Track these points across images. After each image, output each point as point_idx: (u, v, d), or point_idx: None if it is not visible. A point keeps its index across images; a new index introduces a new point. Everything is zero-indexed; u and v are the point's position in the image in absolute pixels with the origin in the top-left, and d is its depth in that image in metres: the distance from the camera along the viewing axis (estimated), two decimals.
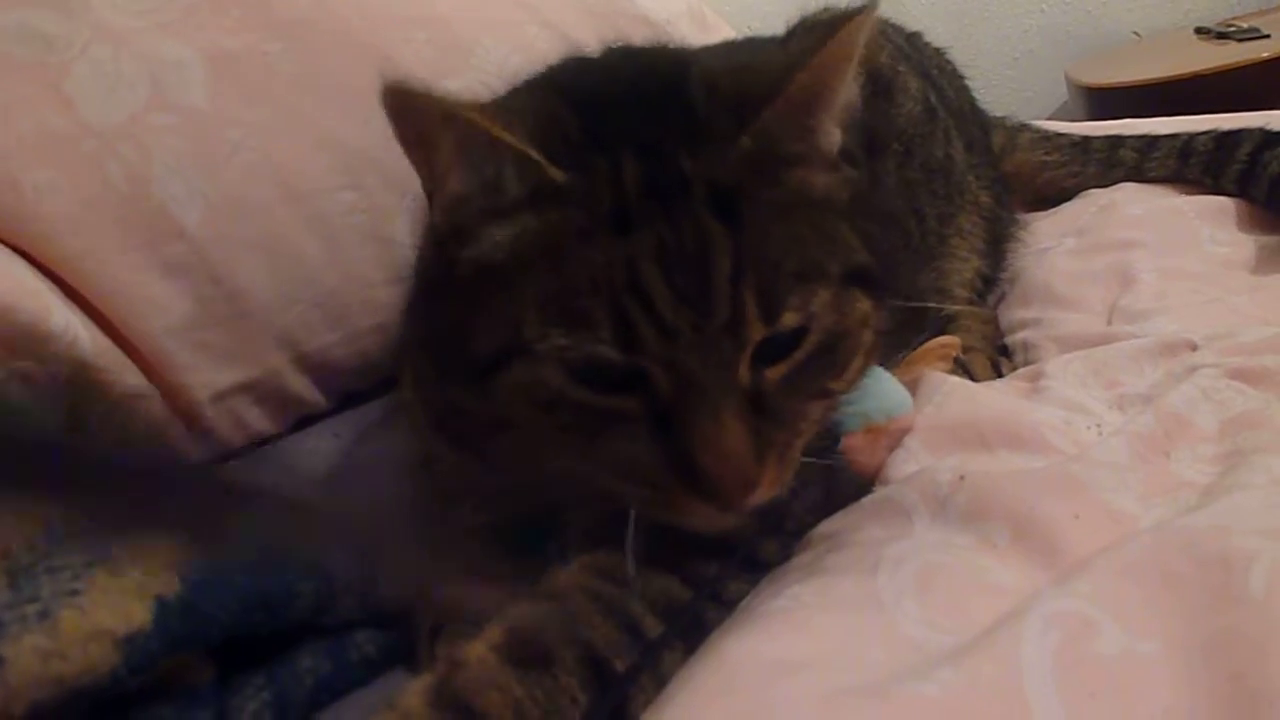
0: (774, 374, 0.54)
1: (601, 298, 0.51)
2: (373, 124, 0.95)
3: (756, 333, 0.52)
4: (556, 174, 0.52)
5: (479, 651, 0.50)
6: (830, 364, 0.56)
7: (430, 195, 0.58)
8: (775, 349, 0.54)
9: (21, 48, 0.81)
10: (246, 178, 0.90)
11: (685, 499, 0.52)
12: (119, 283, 0.82)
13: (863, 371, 0.61)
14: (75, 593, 0.45)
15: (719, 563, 0.58)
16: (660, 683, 0.50)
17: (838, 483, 0.66)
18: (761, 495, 0.53)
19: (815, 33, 0.54)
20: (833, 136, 0.59)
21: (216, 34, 0.91)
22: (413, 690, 0.49)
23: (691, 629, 0.54)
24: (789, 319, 0.53)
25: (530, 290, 0.52)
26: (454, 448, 0.68)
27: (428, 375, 0.68)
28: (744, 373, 0.52)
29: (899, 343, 0.83)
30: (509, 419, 0.56)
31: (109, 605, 0.45)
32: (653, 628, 0.54)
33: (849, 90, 0.57)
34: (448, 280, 0.58)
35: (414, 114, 0.52)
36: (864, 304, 0.57)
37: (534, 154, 0.52)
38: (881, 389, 0.71)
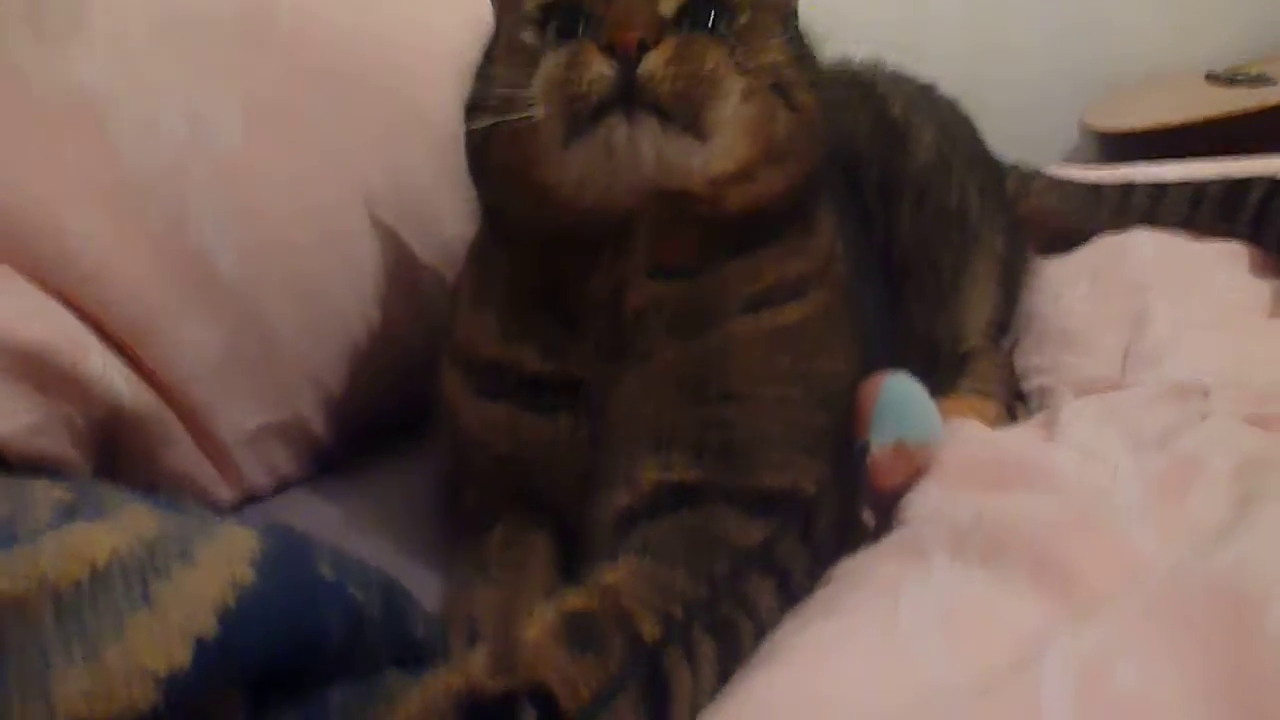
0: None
1: None
2: (401, 169, 0.99)
3: None
4: None
5: (535, 633, 0.53)
6: (739, 41, 0.67)
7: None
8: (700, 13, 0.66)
9: (65, 96, 0.83)
10: (279, 222, 0.92)
11: (586, 47, 0.62)
12: (153, 326, 0.84)
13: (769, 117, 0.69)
14: (119, 632, 0.47)
15: (737, 561, 0.62)
16: (697, 678, 0.53)
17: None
18: (654, 59, 0.61)
19: None
20: None
21: (252, 83, 0.93)
22: (472, 659, 0.51)
23: (723, 629, 0.57)
24: None
25: None
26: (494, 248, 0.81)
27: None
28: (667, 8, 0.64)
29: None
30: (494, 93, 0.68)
31: (151, 645, 0.46)
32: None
33: None
34: None
35: None
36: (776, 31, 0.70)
37: None
38: (923, 415, 0.73)
